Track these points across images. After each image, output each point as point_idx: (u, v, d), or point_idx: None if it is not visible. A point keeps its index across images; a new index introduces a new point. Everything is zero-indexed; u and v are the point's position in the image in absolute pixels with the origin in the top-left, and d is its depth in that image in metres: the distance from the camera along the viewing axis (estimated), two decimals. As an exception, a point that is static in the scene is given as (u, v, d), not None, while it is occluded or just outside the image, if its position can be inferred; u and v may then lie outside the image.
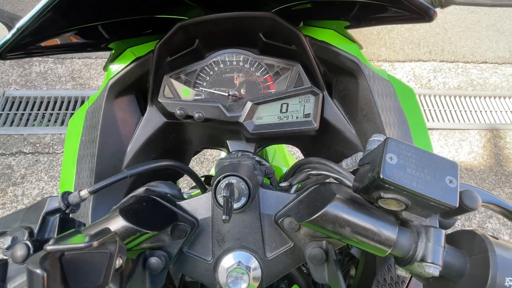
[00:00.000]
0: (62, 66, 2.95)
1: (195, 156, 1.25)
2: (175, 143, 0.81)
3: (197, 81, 0.76)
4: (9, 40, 0.54)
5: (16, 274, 0.40)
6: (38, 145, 2.48)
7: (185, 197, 0.57)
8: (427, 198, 0.35)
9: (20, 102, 2.68)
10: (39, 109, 2.65)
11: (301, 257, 0.50)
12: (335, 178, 0.56)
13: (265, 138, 0.79)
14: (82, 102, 2.56)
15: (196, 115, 0.74)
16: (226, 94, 0.75)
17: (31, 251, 0.40)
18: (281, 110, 0.76)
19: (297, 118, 0.77)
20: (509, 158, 2.63)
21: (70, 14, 0.56)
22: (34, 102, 2.69)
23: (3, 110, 2.62)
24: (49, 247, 0.31)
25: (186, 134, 0.82)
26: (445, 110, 2.86)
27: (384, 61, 3.23)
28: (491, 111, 2.89)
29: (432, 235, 0.38)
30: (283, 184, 0.62)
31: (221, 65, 0.75)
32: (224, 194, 0.43)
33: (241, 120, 0.74)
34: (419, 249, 0.38)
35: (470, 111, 2.88)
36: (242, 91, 0.76)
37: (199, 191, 0.87)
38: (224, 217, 0.40)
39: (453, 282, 0.38)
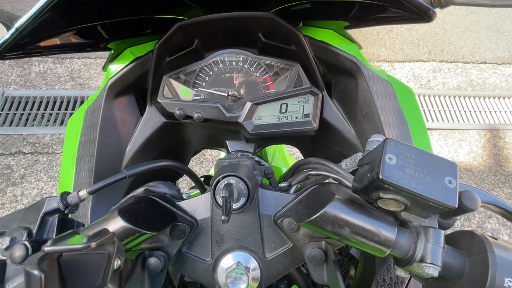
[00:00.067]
0: (62, 66, 2.94)
1: (195, 156, 1.25)
2: (174, 143, 0.81)
3: (197, 81, 0.76)
4: (8, 40, 0.54)
5: (15, 274, 0.40)
6: (37, 145, 2.47)
7: (184, 197, 0.57)
8: (426, 199, 0.35)
9: (20, 102, 2.67)
10: (38, 109, 2.64)
11: (300, 258, 0.50)
12: (335, 179, 0.55)
13: (265, 138, 0.79)
14: (82, 102, 2.56)
15: (196, 115, 0.74)
16: (226, 94, 0.75)
17: (30, 252, 0.40)
18: (280, 110, 0.76)
19: (296, 118, 0.76)
20: (508, 158, 2.63)
21: (69, 14, 0.56)
22: (34, 102, 2.68)
23: (2, 110, 2.61)
24: (47, 248, 0.31)
25: (186, 134, 0.82)
26: (444, 110, 2.86)
27: (384, 61, 3.23)
28: (490, 112, 2.89)
29: (431, 235, 0.38)
30: (282, 185, 0.62)
31: (221, 65, 0.75)
32: (223, 195, 0.43)
33: (241, 120, 0.74)
34: (418, 250, 0.38)
35: (470, 111, 2.88)
36: (242, 91, 0.76)
37: (198, 191, 0.87)
38: (223, 217, 0.40)
39: (452, 283, 0.38)
